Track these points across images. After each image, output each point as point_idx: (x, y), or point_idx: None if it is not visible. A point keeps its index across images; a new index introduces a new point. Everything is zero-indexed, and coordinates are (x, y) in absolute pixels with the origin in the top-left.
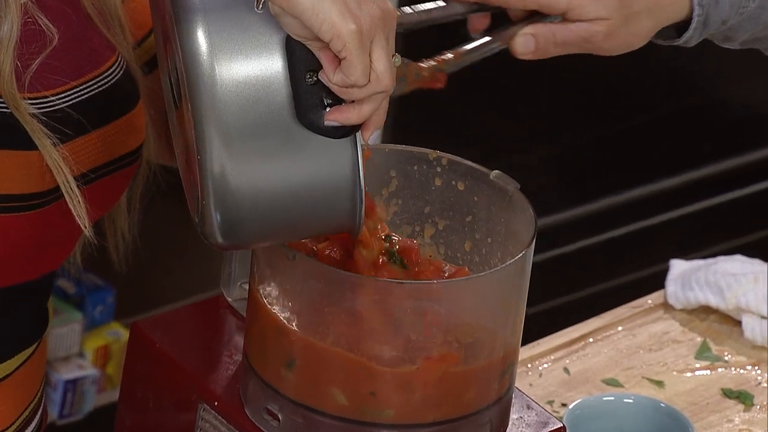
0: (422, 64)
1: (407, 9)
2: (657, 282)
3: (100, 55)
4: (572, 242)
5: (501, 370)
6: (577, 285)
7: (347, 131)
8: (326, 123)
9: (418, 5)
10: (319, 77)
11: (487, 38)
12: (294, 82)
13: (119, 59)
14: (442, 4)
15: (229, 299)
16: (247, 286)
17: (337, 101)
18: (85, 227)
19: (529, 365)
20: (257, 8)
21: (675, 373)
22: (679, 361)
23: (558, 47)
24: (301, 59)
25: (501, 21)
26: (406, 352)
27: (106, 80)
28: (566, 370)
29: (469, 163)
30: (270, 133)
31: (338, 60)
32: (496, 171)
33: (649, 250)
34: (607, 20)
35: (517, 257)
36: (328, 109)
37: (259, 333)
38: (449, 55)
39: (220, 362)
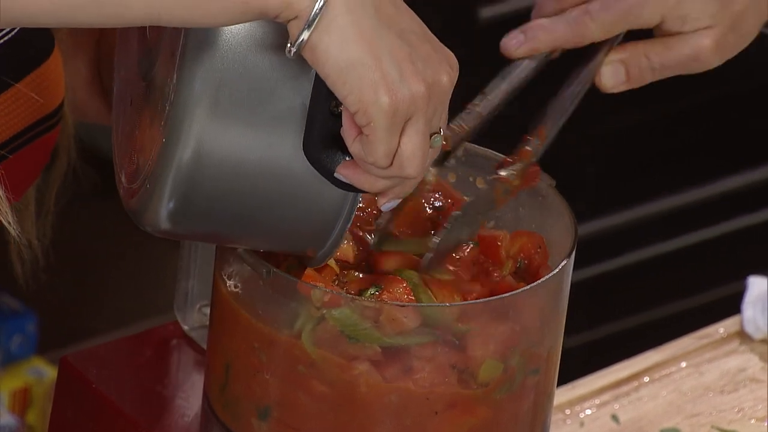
0: (504, 172)
1: (453, 126)
2: (731, 305)
3: None
4: (621, 255)
5: (531, 418)
6: (628, 309)
7: (356, 189)
8: (336, 174)
9: (465, 113)
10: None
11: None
12: (314, 104)
13: None
14: (488, 95)
15: (185, 327)
16: (207, 310)
17: None
18: (9, 223)
19: (568, 411)
20: (288, 54)
21: (753, 421)
22: (759, 406)
23: (656, 72)
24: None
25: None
26: (415, 395)
27: None
28: (615, 417)
29: (491, 153)
30: (269, 114)
31: (359, 129)
32: None
33: (720, 264)
34: (712, 28)
35: (551, 274)
36: (346, 158)
37: (223, 370)
38: (534, 141)
39: (173, 408)
